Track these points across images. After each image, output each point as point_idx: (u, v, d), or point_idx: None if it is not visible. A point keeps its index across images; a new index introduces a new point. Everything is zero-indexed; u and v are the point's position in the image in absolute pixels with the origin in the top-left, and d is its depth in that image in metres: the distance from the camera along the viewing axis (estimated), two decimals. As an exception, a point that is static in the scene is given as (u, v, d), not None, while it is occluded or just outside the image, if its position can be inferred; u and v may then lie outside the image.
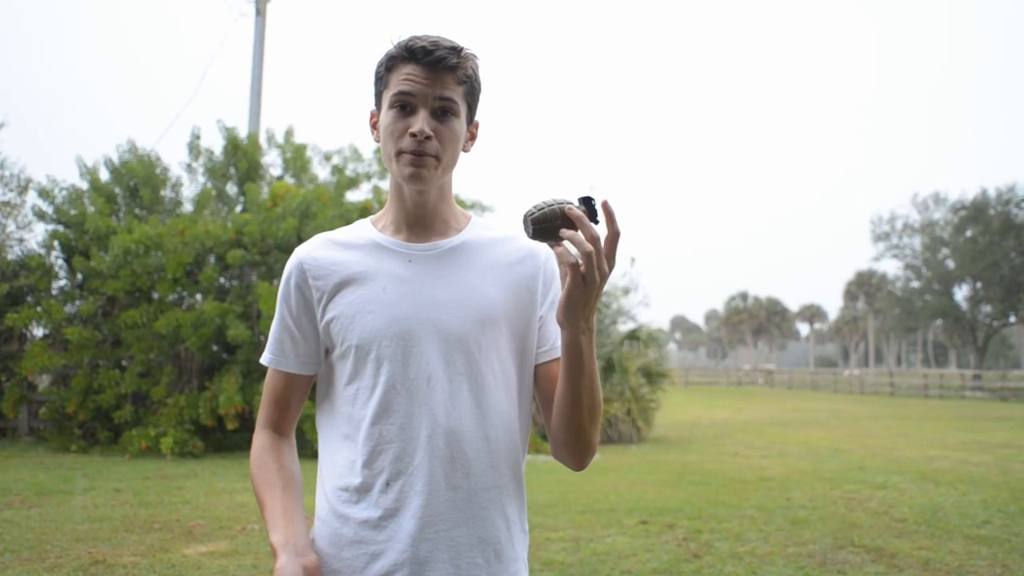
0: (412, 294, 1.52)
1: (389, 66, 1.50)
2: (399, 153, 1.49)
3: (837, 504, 8.36)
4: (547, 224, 1.34)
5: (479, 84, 1.56)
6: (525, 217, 1.36)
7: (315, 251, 1.59)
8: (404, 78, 1.48)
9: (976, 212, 44.23)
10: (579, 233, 1.31)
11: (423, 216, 1.58)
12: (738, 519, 7.56)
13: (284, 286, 1.60)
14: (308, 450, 10.22)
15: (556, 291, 1.61)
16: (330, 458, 1.58)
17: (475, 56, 1.53)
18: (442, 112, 1.49)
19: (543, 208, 1.34)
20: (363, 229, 1.63)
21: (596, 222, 1.32)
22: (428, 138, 1.47)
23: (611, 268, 1.34)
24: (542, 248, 1.63)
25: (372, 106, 1.60)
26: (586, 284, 1.34)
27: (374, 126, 1.59)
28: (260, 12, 16.77)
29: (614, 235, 1.33)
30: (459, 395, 1.51)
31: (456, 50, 1.48)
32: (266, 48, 16.71)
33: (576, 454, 1.52)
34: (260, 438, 1.64)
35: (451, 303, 1.52)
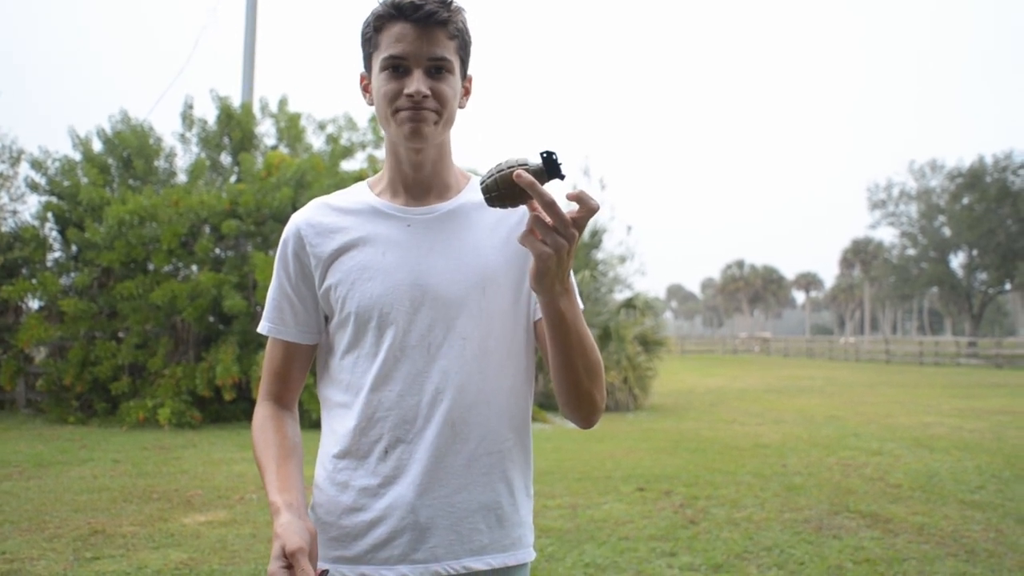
0: (411, 259, 1.50)
1: (377, 26, 1.46)
2: (395, 112, 1.46)
3: (832, 470, 8.41)
4: (497, 192, 1.26)
5: (470, 37, 1.52)
6: (480, 184, 1.29)
7: (312, 216, 1.56)
8: (395, 39, 1.44)
9: (973, 179, 44.12)
10: (533, 200, 1.24)
11: (421, 179, 1.55)
12: (734, 486, 7.61)
13: (281, 252, 1.57)
14: (306, 420, 10.25)
15: None
16: (329, 427, 1.57)
17: (463, 8, 1.49)
18: (436, 70, 1.46)
19: (493, 174, 1.25)
20: (360, 193, 1.60)
21: (561, 177, 1.23)
22: (425, 97, 1.44)
23: (578, 231, 1.25)
24: None
25: (362, 69, 1.56)
26: (550, 252, 1.26)
27: (365, 89, 1.56)
28: (252, -21, 16.56)
29: (580, 200, 1.23)
30: (461, 360, 1.49)
31: (445, 3, 1.44)
32: (259, 16, 16.52)
33: (581, 413, 1.49)
34: (261, 410, 1.60)
35: (451, 267, 1.49)
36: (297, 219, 1.58)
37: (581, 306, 1.51)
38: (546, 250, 1.25)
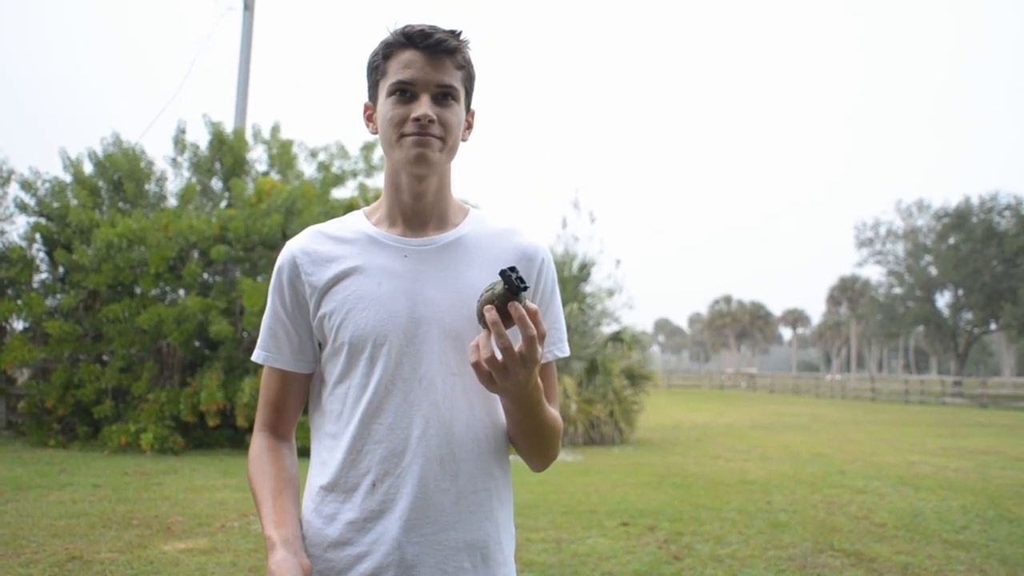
0: (407, 290, 1.49)
1: (386, 54, 1.48)
2: (401, 136, 1.46)
3: (817, 508, 8.38)
4: (481, 319, 1.33)
5: (475, 71, 1.54)
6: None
7: (308, 245, 1.56)
8: (403, 65, 1.45)
9: (959, 220, 44.50)
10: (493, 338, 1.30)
11: (420, 209, 1.55)
12: (719, 522, 7.57)
13: (276, 280, 1.57)
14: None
15: (545, 294, 1.60)
16: (319, 457, 1.56)
17: (470, 41, 1.51)
18: (443, 96, 1.47)
19: (478, 300, 1.34)
20: (357, 222, 1.60)
21: (523, 289, 1.27)
22: (431, 122, 1.45)
23: (528, 365, 1.31)
24: (539, 248, 1.61)
25: (367, 99, 1.57)
26: (510, 389, 1.36)
27: (369, 119, 1.57)
28: (248, 7, 16.67)
29: (529, 338, 1.29)
30: (452, 395, 1.49)
31: (454, 34, 1.47)
32: (253, 43, 16.61)
33: (531, 464, 1.62)
34: (258, 440, 1.59)
35: (447, 300, 1.49)
36: (292, 247, 1.57)
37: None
38: (506, 387, 1.35)
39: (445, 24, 1.49)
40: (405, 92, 1.45)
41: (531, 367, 1.31)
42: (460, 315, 1.49)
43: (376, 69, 1.51)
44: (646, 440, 16.08)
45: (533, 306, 1.30)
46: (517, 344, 1.30)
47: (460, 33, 1.48)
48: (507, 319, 1.28)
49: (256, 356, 1.59)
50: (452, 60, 1.46)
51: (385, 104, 1.48)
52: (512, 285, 1.26)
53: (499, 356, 1.29)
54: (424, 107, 1.44)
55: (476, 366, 1.32)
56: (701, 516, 7.83)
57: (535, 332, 1.28)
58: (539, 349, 1.30)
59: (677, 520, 7.61)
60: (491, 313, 1.27)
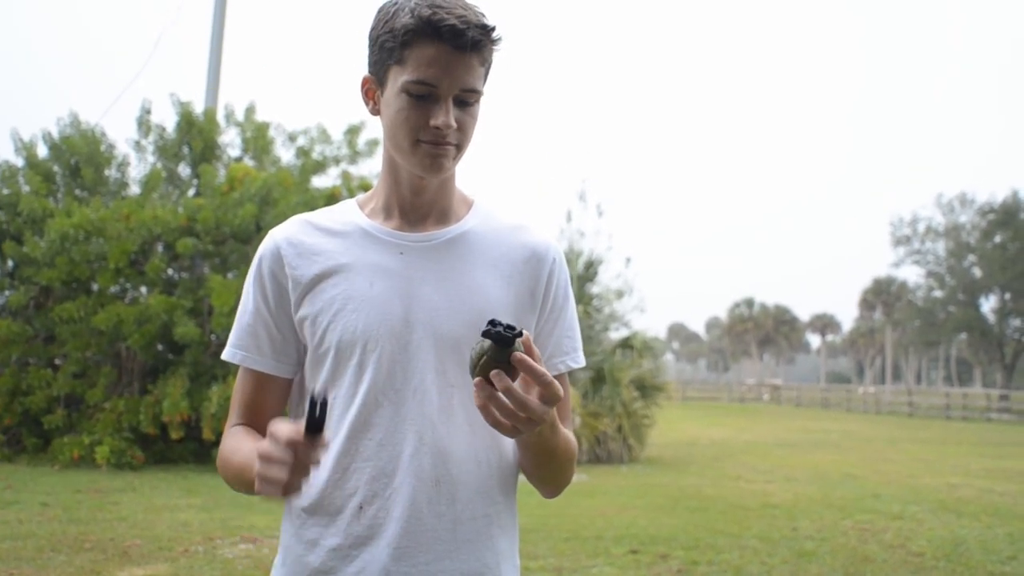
0: (402, 291, 1.47)
1: (406, 40, 1.39)
2: (416, 143, 1.43)
3: (848, 535, 8.38)
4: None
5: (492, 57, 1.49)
6: None
7: (294, 235, 1.54)
8: (427, 62, 1.39)
9: (1006, 216, 44.61)
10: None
11: (420, 203, 1.54)
12: (739, 550, 7.56)
13: (256, 271, 1.54)
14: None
15: (557, 299, 1.59)
16: None
17: (502, 36, 1.45)
18: (464, 101, 1.44)
19: (470, 365, 1.31)
20: (348, 213, 1.57)
21: (518, 336, 1.26)
22: (450, 128, 1.42)
23: (551, 404, 1.30)
24: (550, 247, 1.60)
25: (368, 72, 1.51)
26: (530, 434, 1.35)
27: (368, 94, 1.52)
28: (221, -25, 16.64)
29: (546, 384, 1.28)
30: (449, 409, 1.47)
31: (487, 29, 1.40)
32: (227, 17, 16.56)
33: (543, 491, 1.62)
34: (230, 431, 1.55)
35: (446, 303, 1.47)
36: (276, 235, 1.55)
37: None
38: (514, 435, 1.34)
39: (471, 3, 1.43)
40: (425, 94, 1.41)
41: (555, 404, 1.31)
42: (459, 320, 1.47)
43: (389, 51, 1.42)
44: (658, 458, 16.10)
45: (527, 335, 1.29)
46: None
47: (493, 28, 1.42)
48: (509, 371, 1.28)
49: (230, 355, 1.54)
50: (479, 57, 1.42)
51: (399, 99, 1.42)
52: (503, 339, 1.25)
53: (522, 415, 1.28)
54: (446, 114, 1.40)
55: (498, 424, 1.30)
56: (719, 544, 7.82)
57: (549, 376, 1.28)
58: (557, 386, 1.29)
59: (692, 548, 7.60)
60: (502, 379, 1.25)
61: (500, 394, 1.26)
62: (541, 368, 1.26)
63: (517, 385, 1.27)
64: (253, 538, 7.42)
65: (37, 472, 11.03)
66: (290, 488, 1.25)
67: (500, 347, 1.25)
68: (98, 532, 7.45)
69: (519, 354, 1.25)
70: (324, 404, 1.23)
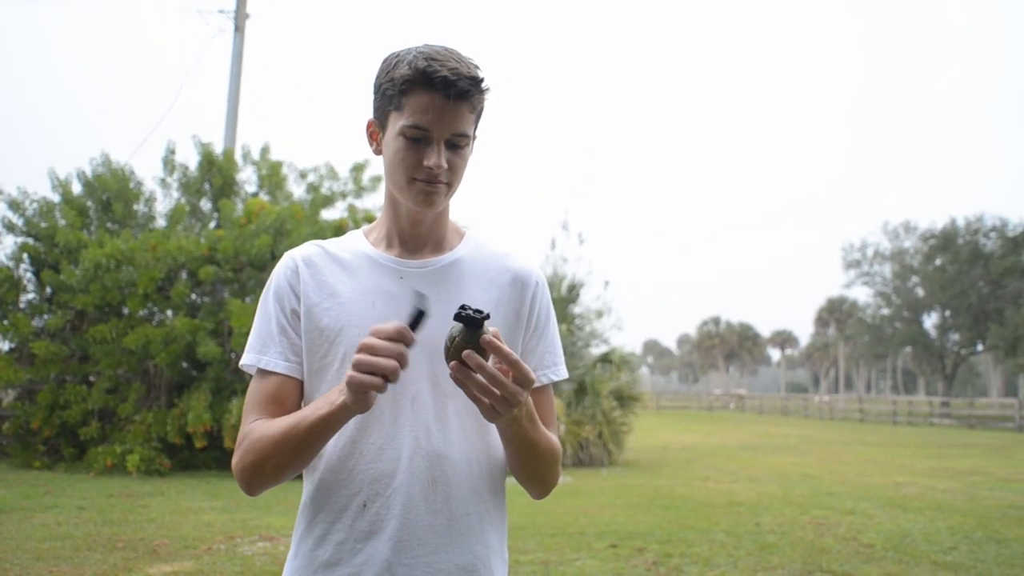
0: (402, 312, 1.47)
1: (404, 89, 1.44)
2: (412, 181, 1.47)
3: (806, 529, 8.38)
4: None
5: (484, 105, 1.53)
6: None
7: (309, 256, 1.57)
8: (421, 109, 1.43)
9: (945, 241, 44.82)
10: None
11: (418, 233, 1.57)
12: (708, 543, 7.56)
13: (276, 283, 1.56)
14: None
15: (540, 318, 1.62)
16: (308, 477, 1.55)
17: (490, 87, 1.50)
18: (455, 144, 1.47)
19: (445, 352, 1.32)
20: (356, 242, 1.61)
21: (485, 319, 1.27)
22: (441, 169, 1.46)
23: (527, 386, 1.31)
24: (533, 273, 1.63)
25: (372, 116, 1.55)
26: (507, 417, 1.36)
27: (372, 136, 1.56)
28: (239, 29, 16.72)
29: (513, 361, 1.29)
30: (444, 417, 1.50)
31: (477, 81, 1.45)
32: (244, 65, 16.65)
33: (531, 491, 1.63)
34: (251, 427, 1.49)
35: (441, 323, 1.47)
36: (294, 254, 1.58)
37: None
38: (495, 417, 1.35)
39: (465, 57, 1.47)
40: (419, 138, 1.45)
41: (529, 386, 1.32)
42: None
43: (389, 98, 1.47)
44: (635, 462, 16.06)
45: (494, 329, 1.31)
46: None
47: (482, 80, 1.46)
48: (481, 353, 1.28)
49: (252, 360, 1.53)
50: (469, 105, 1.46)
51: (397, 141, 1.47)
52: (472, 321, 1.26)
53: (496, 392, 1.29)
54: (437, 156, 1.44)
55: (478, 401, 1.31)
56: (690, 538, 7.81)
57: (515, 356, 1.29)
58: (526, 367, 1.31)
59: (666, 542, 7.60)
60: (474, 357, 1.26)
61: (475, 374, 1.28)
62: (508, 349, 1.28)
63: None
64: (270, 536, 7.39)
65: (74, 479, 10.95)
66: (394, 375, 1.26)
67: (471, 329, 1.27)
68: (129, 533, 7.42)
69: (488, 336, 1.27)
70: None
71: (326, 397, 1.37)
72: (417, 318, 1.28)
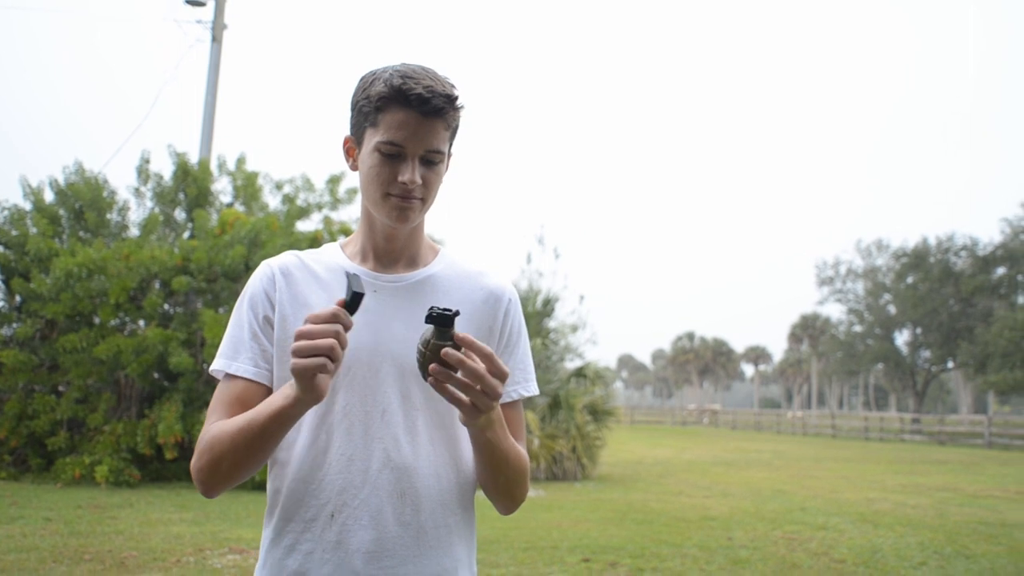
0: (374, 325, 1.51)
1: (379, 106, 1.45)
2: (386, 196, 1.48)
3: (778, 544, 8.41)
4: (423, 370, 1.32)
5: (459, 122, 1.54)
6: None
7: (286, 266, 1.57)
8: (396, 125, 1.44)
9: (917, 259, 45.22)
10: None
11: (392, 248, 1.58)
12: (680, 558, 7.57)
13: (252, 291, 1.56)
14: (250, 482, 10.02)
15: (511, 334, 1.63)
16: (273, 486, 1.54)
17: (464, 104, 1.51)
18: (429, 160, 1.48)
19: (417, 355, 1.32)
20: (332, 255, 1.61)
21: (456, 315, 1.28)
22: (415, 185, 1.47)
23: (502, 378, 1.31)
24: (505, 290, 1.64)
25: (349, 132, 1.56)
26: (480, 414, 1.35)
27: (349, 152, 1.57)
28: (216, 39, 16.66)
29: (486, 355, 1.30)
30: (414, 430, 1.50)
31: (451, 99, 1.46)
32: (220, 75, 16.58)
33: (499, 505, 1.60)
34: (212, 427, 1.46)
35: (412, 337, 1.48)
36: (272, 263, 1.59)
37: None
38: (476, 416, 1.34)
39: (441, 76, 1.48)
40: (394, 154, 1.46)
41: (504, 379, 1.31)
42: None
43: (365, 115, 1.49)
44: (608, 476, 16.07)
45: (463, 334, 1.31)
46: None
47: (457, 98, 1.47)
48: (457, 350, 1.29)
49: (220, 365, 1.52)
50: (443, 122, 1.47)
51: (372, 157, 1.48)
52: (444, 319, 1.27)
53: (477, 387, 1.29)
54: (411, 172, 1.45)
55: (459, 401, 1.32)
56: (662, 552, 7.82)
57: (488, 348, 1.30)
58: (500, 360, 1.31)
59: (638, 556, 7.60)
60: (453, 354, 1.26)
61: (455, 372, 1.28)
62: (481, 343, 1.29)
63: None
64: (240, 549, 7.32)
65: (41, 490, 10.80)
66: (336, 357, 1.26)
67: (443, 327, 1.27)
68: (97, 544, 7.32)
69: (460, 332, 1.28)
70: (358, 281, 1.28)
71: (280, 391, 1.36)
72: (353, 299, 1.28)
